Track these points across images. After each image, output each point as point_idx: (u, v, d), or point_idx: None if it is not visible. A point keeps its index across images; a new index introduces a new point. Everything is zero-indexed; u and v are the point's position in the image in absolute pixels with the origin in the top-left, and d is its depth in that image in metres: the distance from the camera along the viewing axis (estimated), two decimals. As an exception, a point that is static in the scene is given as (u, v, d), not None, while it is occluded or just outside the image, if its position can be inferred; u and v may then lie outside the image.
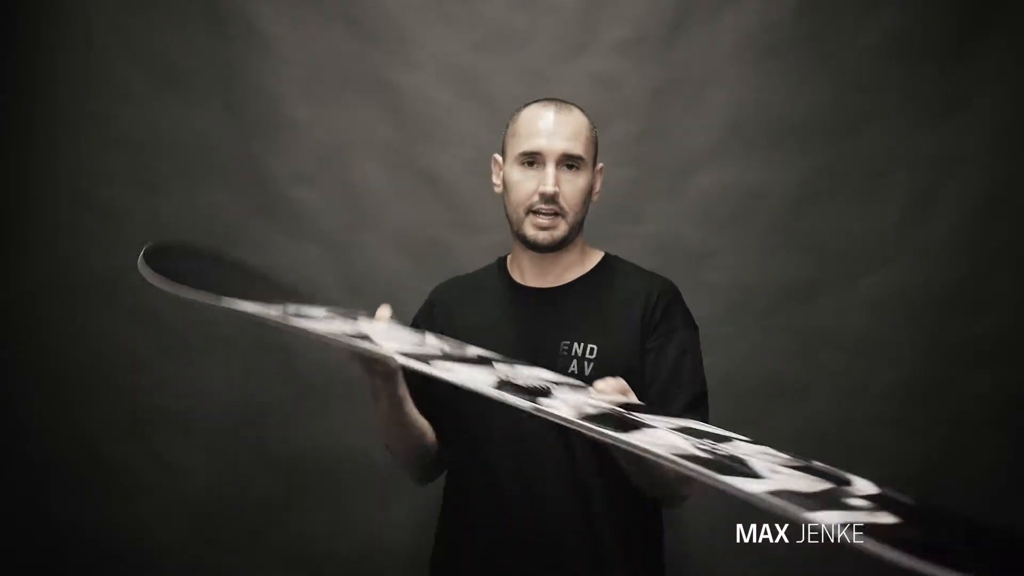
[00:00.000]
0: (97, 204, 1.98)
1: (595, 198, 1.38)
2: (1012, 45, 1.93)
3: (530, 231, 1.32)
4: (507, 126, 1.38)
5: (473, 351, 1.20)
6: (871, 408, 1.92)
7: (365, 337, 1.12)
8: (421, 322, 1.42)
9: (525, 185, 1.31)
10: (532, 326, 1.34)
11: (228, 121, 1.98)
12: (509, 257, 1.44)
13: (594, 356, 1.29)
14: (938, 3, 1.94)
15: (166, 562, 1.94)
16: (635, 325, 1.32)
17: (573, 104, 1.37)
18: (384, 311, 1.23)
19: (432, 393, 1.33)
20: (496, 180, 1.40)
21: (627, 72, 1.97)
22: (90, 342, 1.97)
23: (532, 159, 1.31)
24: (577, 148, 1.31)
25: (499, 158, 1.39)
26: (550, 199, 1.30)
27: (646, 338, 1.32)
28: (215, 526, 1.94)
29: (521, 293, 1.38)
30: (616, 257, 1.43)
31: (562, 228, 1.32)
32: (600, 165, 1.39)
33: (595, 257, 1.41)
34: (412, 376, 1.37)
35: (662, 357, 1.31)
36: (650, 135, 1.96)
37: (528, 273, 1.39)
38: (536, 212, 1.31)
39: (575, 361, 1.29)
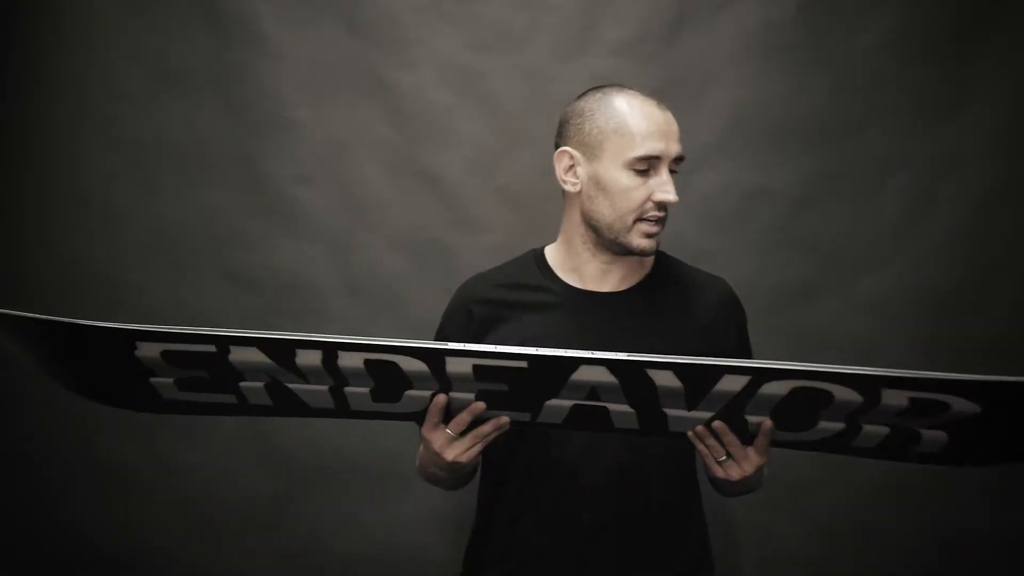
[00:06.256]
0: (97, 204, 1.98)
1: None
2: (1012, 45, 1.93)
3: (636, 239, 1.23)
4: (587, 117, 1.25)
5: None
6: (871, 408, 1.92)
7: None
8: (455, 327, 1.30)
9: (638, 192, 1.22)
10: (611, 337, 1.22)
11: (228, 121, 1.97)
12: (550, 254, 1.33)
13: None
14: (938, 3, 1.94)
15: (166, 562, 1.94)
16: (704, 328, 1.30)
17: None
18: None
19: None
20: (569, 177, 1.27)
21: (627, 72, 1.96)
22: (90, 342, 1.97)
23: (648, 164, 1.21)
24: (682, 151, 1.26)
25: (574, 152, 1.26)
26: (664, 207, 1.23)
27: (717, 343, 1.29)
28: (215, 526, 1.94)
29: (588, 300, 1.28)
30: (666, 254, 1.37)
31: (661, 234, 1.26)
32: None
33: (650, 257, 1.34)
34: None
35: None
36: (650, 135, 1.96)
37: (588, 277, 1.29)
38: (646, 220, 1.23)
39: None
